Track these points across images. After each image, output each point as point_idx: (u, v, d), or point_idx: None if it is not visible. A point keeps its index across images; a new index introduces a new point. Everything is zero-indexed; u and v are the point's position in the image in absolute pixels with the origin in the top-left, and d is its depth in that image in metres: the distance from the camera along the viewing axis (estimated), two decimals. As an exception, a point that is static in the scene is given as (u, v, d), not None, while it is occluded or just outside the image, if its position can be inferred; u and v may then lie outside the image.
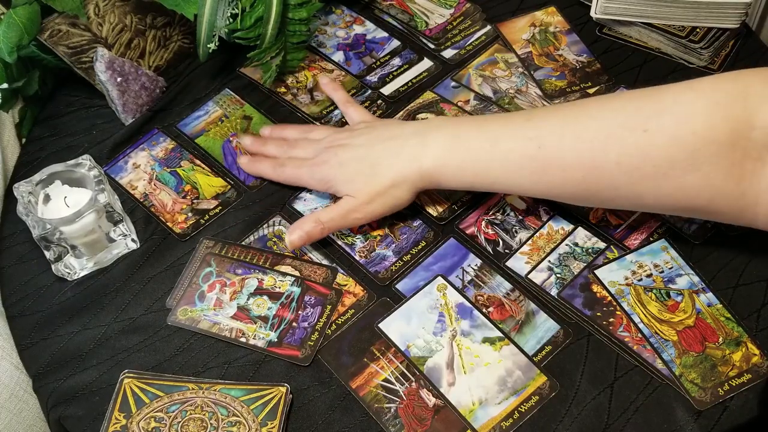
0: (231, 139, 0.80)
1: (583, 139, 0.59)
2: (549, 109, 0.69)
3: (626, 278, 0.66)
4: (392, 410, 0.60)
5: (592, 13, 0.86)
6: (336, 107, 0.81)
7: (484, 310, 0.65)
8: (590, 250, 0.69)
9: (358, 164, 0.68)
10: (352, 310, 0.66)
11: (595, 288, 0.66)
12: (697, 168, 0.56)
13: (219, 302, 0.67)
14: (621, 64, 0.83)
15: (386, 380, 0.62)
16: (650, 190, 0.58)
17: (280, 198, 0.75)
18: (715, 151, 0.55)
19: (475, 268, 0.68)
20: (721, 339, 0.62)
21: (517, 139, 0.62)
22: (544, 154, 0.61)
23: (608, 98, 0.64)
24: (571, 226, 0.70)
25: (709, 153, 0.55)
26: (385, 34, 0.89)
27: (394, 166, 0.66)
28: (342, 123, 0.80)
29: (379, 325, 0.65)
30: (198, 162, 0.78)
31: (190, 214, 0.74)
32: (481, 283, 0.67)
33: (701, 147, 0.55)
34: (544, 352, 0.63)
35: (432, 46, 0.87)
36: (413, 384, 0.62)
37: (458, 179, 0.65)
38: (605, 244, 0.69)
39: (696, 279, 0.66)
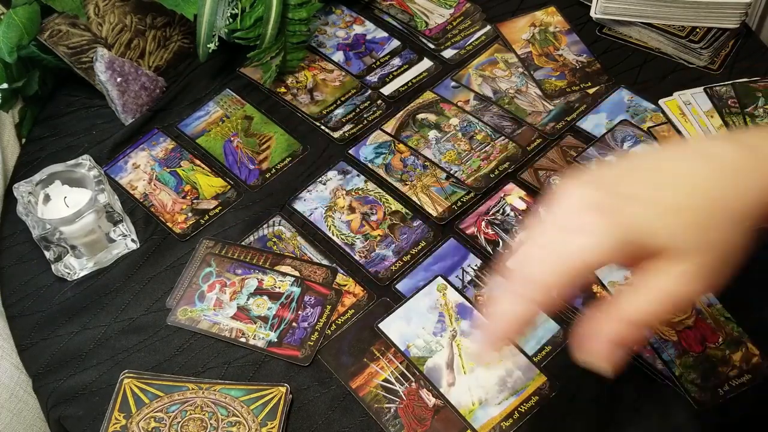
0: (232, 139, 0.80)
1: None
2: None
3: (626, 278, 0.66)
4: (392, 410, 0.60)
5: (592, 13, 0.86)
6: (336, 107, 0.81)
7: (484, 310, 0.65)
8: (590, 250, 0.68)
9: (672, 200, 0.42)
10: (352, 310, 0.66)
11: (595, 288, 0.66)
12: None
13: (219, 302, 0.67)
14: (621, 64, 0.83)
15: (386, 380, 0.62)
16: None
17: (280, 198, 0.75)
18: None
19: (475, 268, 0.68)
20: (721, 339, 0.62)
21: None
22: None
23: None
24: (571, 226, 0.70)
25: None
26: (385, 34, 0.89)
27: (733, 198, 0.42)
28: (341, 123, 0.80)
29: (379, 325, 0.65)
30: (198, 162, 0.78)
31: (190, 214, 0.74)
32: (481, 283, 0.67)
33: None
34: (544, 352, 0.63)
35: (432, 46, 0.87)
36: (413, 384, 0.62)
37: None
38: (605, 244, 0.69)
39: (696, 279, 0.66)
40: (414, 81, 0.84)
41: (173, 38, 0.86)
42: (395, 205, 0.73)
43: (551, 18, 0.88)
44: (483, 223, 0.71)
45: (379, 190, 0.74)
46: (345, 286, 0.68)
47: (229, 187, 0.76)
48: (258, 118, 0.81)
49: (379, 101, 0.82)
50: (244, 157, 0.78)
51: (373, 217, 0.72)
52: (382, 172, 0.76)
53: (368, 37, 0.88)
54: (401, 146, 0.78)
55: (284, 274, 0.68)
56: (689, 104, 0.77)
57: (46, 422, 0.67)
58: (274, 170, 0.77)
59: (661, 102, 0.78)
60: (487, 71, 0.83)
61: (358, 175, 0.76)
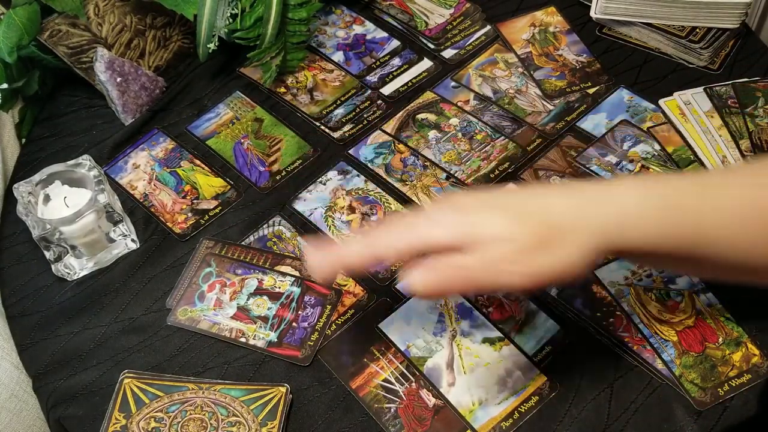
0: (242, 141, 0.80)
1: None
2: None
3: (626, 278, 0.66)
4: (392, 410, 0.60)
5: (592, 13, 0.86)
6: (336, 107, 0.81)
7: (484, 310, 0.65)
8: (590, 250, 0.68)
9: (519, 207, 0.50)
10: (352, 310, 0.66)
11: (595, 288, 0.66)
12: None
13: (219, 302, 0.67)
14: (621, 64, 0.83)
15: (386, 380, 0.62)
16: None
17: (280, 198, 0.75)
18: None
19: (475, 268, 0.68)
20: (721, 339, 0.62)
21: (741, 185, 0.50)
22: None
23: None
24: (571, 226, 0.70)
25: None
26: (385, 34, 0.89)
27: (569, 212, 0.49)
28: (341, 123, 0.80)
29: (379, 326, 0.65)
30: (198, 162, 0.78)
31: (190, 214, 0.74)
32: (481, 283, 0.67)
33: None
34: (544, 352, 0.63)
35: (432, 46, 0.87)
36: (413, 384, 0.62)
37: (655, 231, 0.49)
38: (605, 244, 0.69)
39: (696, 279, 0.66)
40: (414, 81, 0.84)
41: (173, 38, 0.86)
42: (395, 205, 0.73)
43: (551, 18, 0.88)
44: (483, 223, 0.71)
45: (379, 190, 0.74)
46: (345, 286, 0.68)
47: (229, 187, 0.76)
48: (268, 120, 0.81)
49: (379, 101, 0.82)
50: (254, 158, 0.78)
51: (373, 217, 0.72)
52: (382, 172, 0.76)
53: (368, 37, 0.88)
54: (401, 146, 0.78)
55: (284, 274, 0.68)
56: (689, 104, 0.77)
57: (46, 422, 0.67)
58: (284, 172, 0.77)
59: (661, 102, 0.78)
60: (487, 71, 0.84)
61: (358, 175, 0.76)
